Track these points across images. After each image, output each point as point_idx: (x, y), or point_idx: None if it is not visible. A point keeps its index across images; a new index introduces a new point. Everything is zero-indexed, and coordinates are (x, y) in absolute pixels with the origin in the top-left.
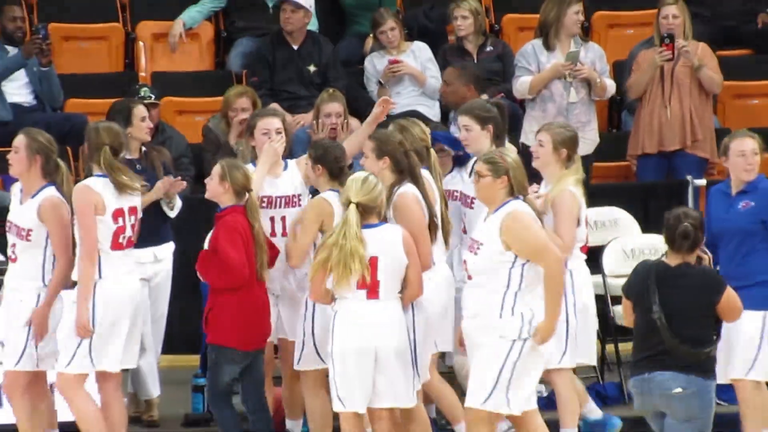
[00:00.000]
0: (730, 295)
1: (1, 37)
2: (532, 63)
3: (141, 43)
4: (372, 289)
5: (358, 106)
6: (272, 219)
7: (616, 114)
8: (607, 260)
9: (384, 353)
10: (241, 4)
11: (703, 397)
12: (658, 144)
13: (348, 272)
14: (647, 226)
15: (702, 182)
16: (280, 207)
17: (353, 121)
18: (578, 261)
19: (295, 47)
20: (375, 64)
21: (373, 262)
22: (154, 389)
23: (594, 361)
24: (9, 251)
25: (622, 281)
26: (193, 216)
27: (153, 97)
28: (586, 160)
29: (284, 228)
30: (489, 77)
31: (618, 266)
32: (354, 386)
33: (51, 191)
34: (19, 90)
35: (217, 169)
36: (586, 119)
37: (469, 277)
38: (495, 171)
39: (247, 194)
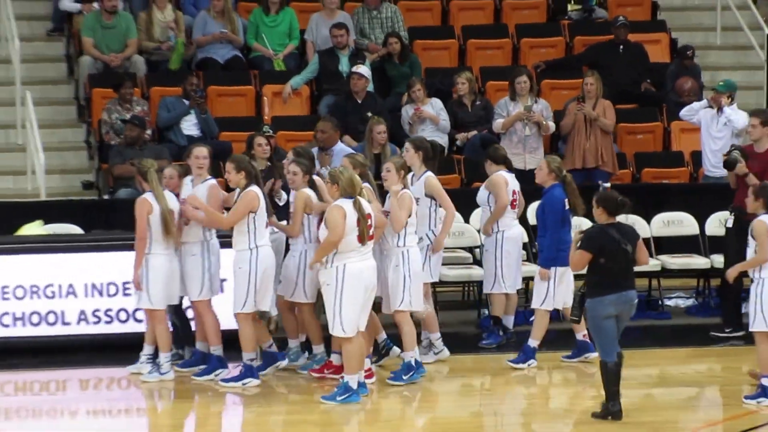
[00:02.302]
0: (641, 242)
1: (183, 95)
2: (503, 111)
3: (265, 98)
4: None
5: (396, 136)
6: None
7: (555, 143)
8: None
9: None
10: (326, 74)
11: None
12: (581, 162)
13: None
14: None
15: (607, 185)
16: None
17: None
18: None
19: (359, 101)
20: (408, 112)
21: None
22: (273, 310)
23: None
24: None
25: None
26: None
27: (271, 131)
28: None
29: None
30: (476, 120)
31: None
32: None
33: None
34: (190, 127)
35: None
36: (536, 146)
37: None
38: (332, 180)
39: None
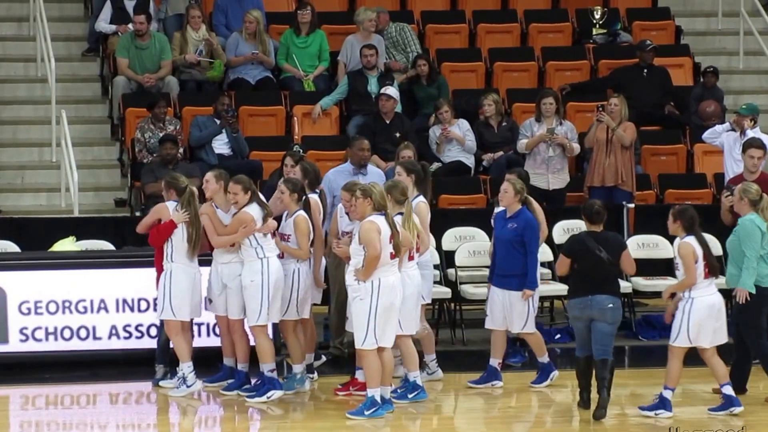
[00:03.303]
0: (627, 252)
1: (214, 114)
2: (528, 131)
3: (295, 118)
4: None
5: (424, 157)
6: None
7: (581, 164)
8: None
9: None
10: (355, 95)
11: (620, 309)
12: (601, 181)
13: None
14: None
15: (631, 206)
16: None
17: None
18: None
19: (387, 122)
20: (435, 132)
21: None
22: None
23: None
24: None
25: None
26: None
27: (302, 150)
28: (561, 192)
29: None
30: (502, 141)
31: None
32: None
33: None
34: (221, 146)
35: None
36: (561, 167)
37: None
38: (364, 194)
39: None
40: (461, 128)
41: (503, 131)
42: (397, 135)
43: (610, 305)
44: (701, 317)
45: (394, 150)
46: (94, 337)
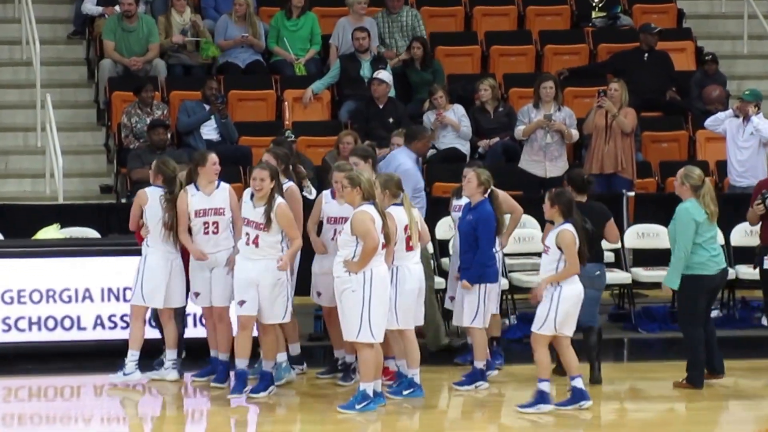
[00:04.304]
0: (611, 222)
1: (203, 99)
2: (525, 118)
3: (286, 103)
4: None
5: None
6: (206, 224)
7: (579, 151)
8: None
9: None
10: (347, 79)
11: (605, 274)
12: (600, 168)
13: None
14: None
15: (631, 194)
16: (211, 215)
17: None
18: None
19: (381, 107)
20: (429, 118)
21: None
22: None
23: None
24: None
25: None
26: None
27: (293, 136)
28: (558, 180)
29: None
30: (499, 127)
31: None
32: None
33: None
34: (210, 131)
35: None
36: (558, 154)
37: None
38: (353, 183)
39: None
40: (456, 114)
41: (499, 117)
42: (391, 121)
43: (597, 272)
44: (569, 306)
45: (387, 136)
46: (79, 328)
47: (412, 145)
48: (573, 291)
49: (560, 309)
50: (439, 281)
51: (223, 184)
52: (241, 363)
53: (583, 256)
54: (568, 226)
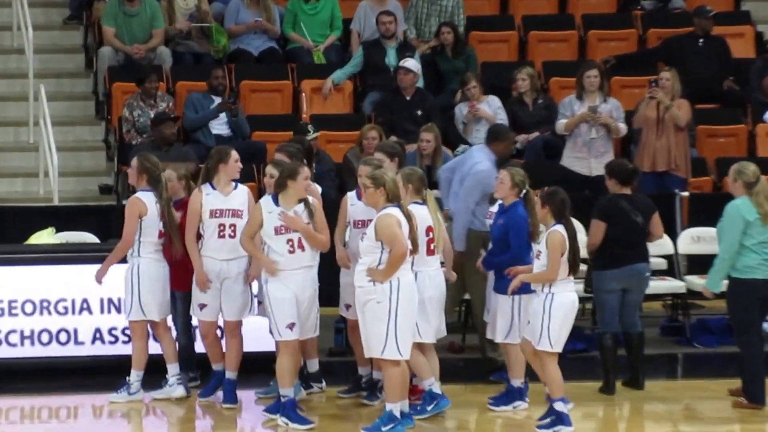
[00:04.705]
0: (657, 215)
1: (209, 90)
2: (567, 110)
3: (303, 94)
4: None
5: (450, 138)
6: (222, 226)
7: (627, 146)
8: None
9: None
10: (371, 69)
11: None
12: (651, 166)
13: None
14: None
15: (685, 194)
16: (228, 217)
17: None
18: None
19: (408, 98)
20: (462, 111)
21: None
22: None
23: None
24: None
25: None
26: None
27: (313, 131)
28: (604, 179)
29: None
30: (538, 121)
31: None
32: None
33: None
34: (220, 126)
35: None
36: (604, 150)
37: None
38: (376, 183)
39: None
40: (491, 106)
41: (539, 109)
42: (419, 114)
43: (648, 273)
44: (561, 318)
45: (415, 131)
46: (76, 342)
47: (494, 146)
48: (565, 300)
49: (553, 321)
50: None
51: (241, 185)
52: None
53: (576, 265)
54: (559, 228)
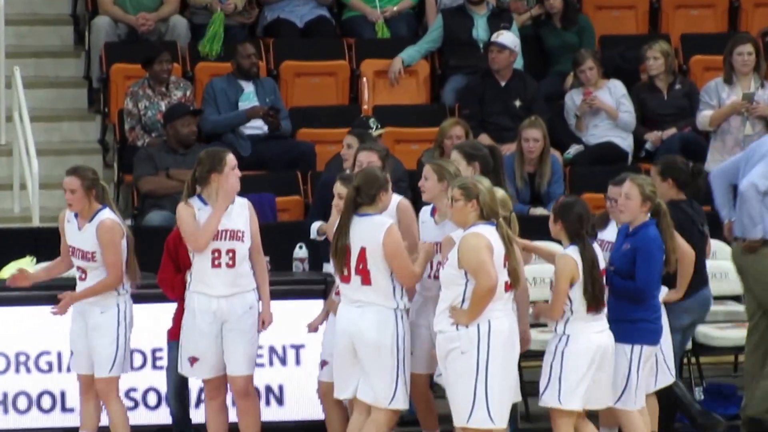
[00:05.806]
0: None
1: (236, 73)
2: (713, 98)
3: (364, 79)
4: None
5: (558, 137)
6: (216, 252)
7: None
8: None
9: None
10: (454, 45)
11: None
12: None
13: None
14: None
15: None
16: (225, 240)
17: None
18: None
19: (503, 83)
20: (574, 99)
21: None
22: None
23: None
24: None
25: None
26: None
27: (378, 126)
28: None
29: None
30: (675, 112)
31: None
32: None
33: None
34: (254, 121)
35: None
36: None
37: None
38: (467, 195)
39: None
40: (613, 93)
41: (676, 98)
42: (517, 104)
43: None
44: (576, 367)
45: (513, 127)
46: (63, 408)
47: None
48: (583, 346)
49: (566, 370)
50: None
51: (239, 198)
52: None
53: (595, 301)
54: (571, 251)
